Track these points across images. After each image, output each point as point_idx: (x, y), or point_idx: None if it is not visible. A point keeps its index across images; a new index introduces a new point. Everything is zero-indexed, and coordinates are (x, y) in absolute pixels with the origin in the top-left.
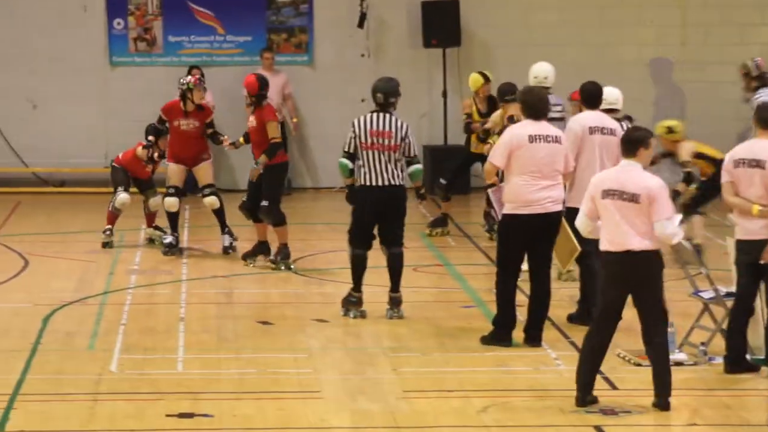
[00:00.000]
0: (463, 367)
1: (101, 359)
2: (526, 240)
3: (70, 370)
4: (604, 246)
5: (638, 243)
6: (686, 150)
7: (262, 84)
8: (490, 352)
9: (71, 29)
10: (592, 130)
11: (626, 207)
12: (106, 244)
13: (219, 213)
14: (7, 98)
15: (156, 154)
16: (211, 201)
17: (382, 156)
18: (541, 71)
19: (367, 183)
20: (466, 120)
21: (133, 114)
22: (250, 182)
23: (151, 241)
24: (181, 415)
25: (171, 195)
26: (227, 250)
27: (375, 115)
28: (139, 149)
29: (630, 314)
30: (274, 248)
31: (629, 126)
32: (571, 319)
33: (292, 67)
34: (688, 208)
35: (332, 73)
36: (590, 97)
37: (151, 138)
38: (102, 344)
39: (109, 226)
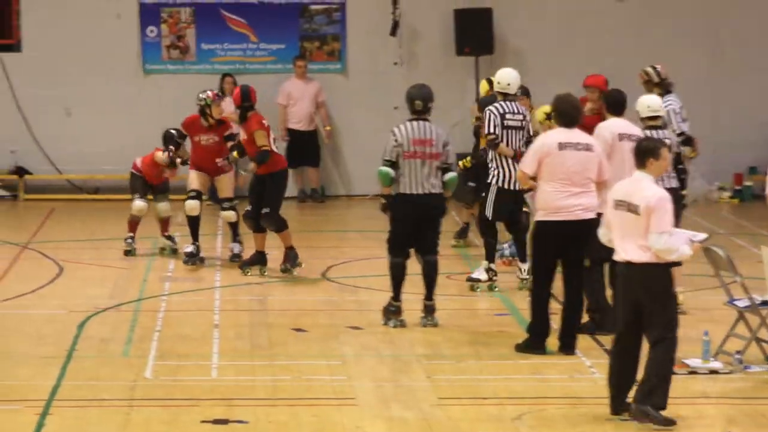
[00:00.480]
0: (497, 375)
1: (136, 366)
2: (557, 247)
3: (105, 376)
4: (615, 255)
5: (638, 255)
6: None
7: (245, 95)
8: (524, 360)
9: (105, 37)
10: (621, 137)
11: (628, 218)
12: (128, 252)
13: (234, 224)
14: (42, 106)
15: (179, 160)
16: (228, 215)
17: (424, 164)
18: (504, 77)
19: (408, 191)
20: (475, 124)
21: (166, 121)
22: (251, 192)
23: (163, 250)
24: (216, 422)
25: (192, 198)
26: (234, 258)
27: (416, 123)
28: (159, 154)
29: None
30: (267, 258)
31: (668, 133)
32: (580, 329)
33: (325, 75)
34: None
35: (365, 81)
36: (616, 103)
37: (171, 147)
38: (137, 351)
39: (131, 234)
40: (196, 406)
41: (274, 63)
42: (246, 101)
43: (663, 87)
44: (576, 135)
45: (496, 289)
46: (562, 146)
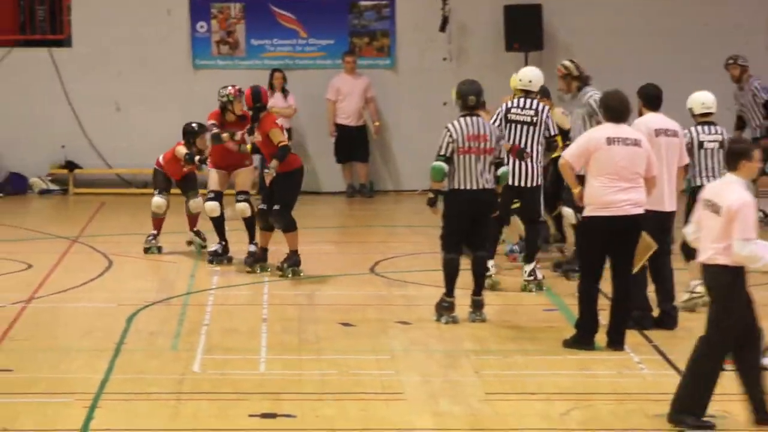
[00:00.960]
0: (545, 371)
1: (184, 359)
2: (605, 243)
3: (153, 369)
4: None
5: (709, 255)
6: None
7: (257, 96)
8: (572, 356)
9: (155, 33)
10: (658, 132)
11: (711, 218)
12: (147, 250)
13: (249, 222)
14: (93, 101)
15: (198, 157)
16: (243, 208)
17: (478, 160)
18: (527, 74)
19: (463, 187)
20: None
21: None
22: (263, 189)
23: (190, 244)
24: (264, 416)
25: (211, 200)
26: (248, 260)
27: (469, 119)
28: (179, 148)
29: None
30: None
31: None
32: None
33: (374, 70)
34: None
35: (414, 76)
36: (652, 98)
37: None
38: (185, 344)
39: (154, 232)
40: (244, 400)
41: (324, 58)
42: (257, 102)
43: (582, 80)
44: (624, 130)
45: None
46: (610, 141)
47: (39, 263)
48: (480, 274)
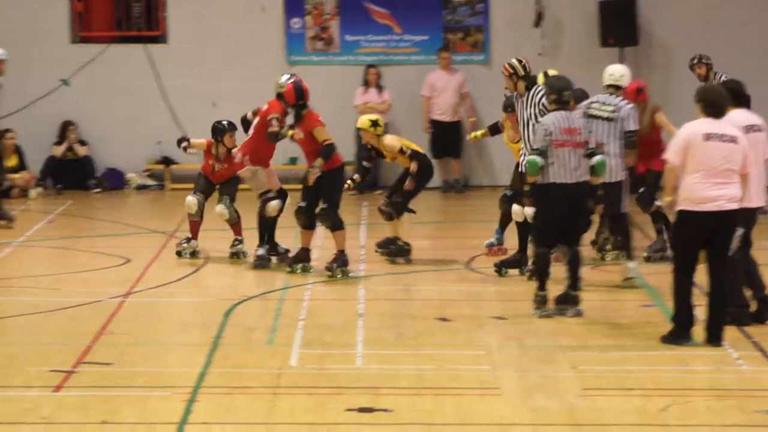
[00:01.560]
0: (643, 366)
1: (281, 354)
2: (700, 238)
3: (250, 364)
4: None
5: None
6: (391, 144)
7: (299, 93)
8: (670, 351)
9: (250, 29)
10: (747, 129)
11: None
12: (178, 254)
13: (272, 222)
14: (188, 97)
15: (183, 144)
16: (275, 206)
17: (572, 153)
18: (618, 70)
19: (559, 181)
20: None
21: None
22: (304, 187)
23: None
24: (361, 410)
25: (273, 199)
26: (283, 259)
27: (561, 112)
28: (202, 141)
29: None
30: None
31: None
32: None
33: (468, 66)
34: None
35: None
36: (735, 95)
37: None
38: (281, 339)
39: (188, 236)
40: (341, 395)
41: (418, 54)
42: (300, 99)
43: (529, 80)
44: (722, 126)
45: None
46: (707, 137)
47: (137, 258)
48: (576, 269)
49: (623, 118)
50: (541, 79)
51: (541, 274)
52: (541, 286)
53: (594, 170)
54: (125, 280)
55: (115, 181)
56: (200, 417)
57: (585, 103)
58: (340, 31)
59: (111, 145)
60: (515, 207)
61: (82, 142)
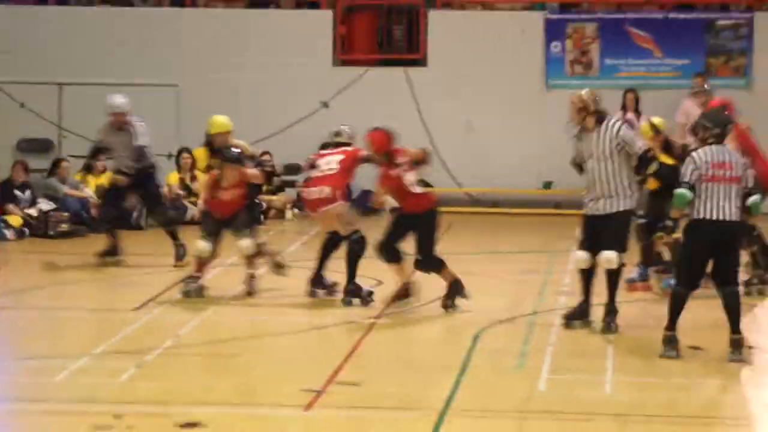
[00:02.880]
0: None
1: (529, 378)
2: None
3: (498, 387)
4: None
5: None
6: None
7: (390, 139)
8: None
9: (509, 52)
10: None
11: None
12: (185, 294)
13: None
14: (445, 120)
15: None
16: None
17: (722, 189)
18: None
19: (706, 216)
20: None
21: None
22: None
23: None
24: None
25: (362, 236)
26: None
27: (715, 146)
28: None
29: None
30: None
31: None
32: None
33: (728, 90)
34: None
35: None
36: None
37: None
38: (531, 363)
39: (195, 274)
40: (590, 421)
41: (678, 79)
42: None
43: (599, 114)
44: None
45: None
46: None
47: (390, 279)
48: (734, 310)
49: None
50: (645, 128)
51: (673, 314)
52: (671, 326)
53: (749, 210)
54: (377, 300)
55: (371, 202)
56: None
57: None
58: (600, 54)
59: (364, 167)
60: (581, 254)
61: None
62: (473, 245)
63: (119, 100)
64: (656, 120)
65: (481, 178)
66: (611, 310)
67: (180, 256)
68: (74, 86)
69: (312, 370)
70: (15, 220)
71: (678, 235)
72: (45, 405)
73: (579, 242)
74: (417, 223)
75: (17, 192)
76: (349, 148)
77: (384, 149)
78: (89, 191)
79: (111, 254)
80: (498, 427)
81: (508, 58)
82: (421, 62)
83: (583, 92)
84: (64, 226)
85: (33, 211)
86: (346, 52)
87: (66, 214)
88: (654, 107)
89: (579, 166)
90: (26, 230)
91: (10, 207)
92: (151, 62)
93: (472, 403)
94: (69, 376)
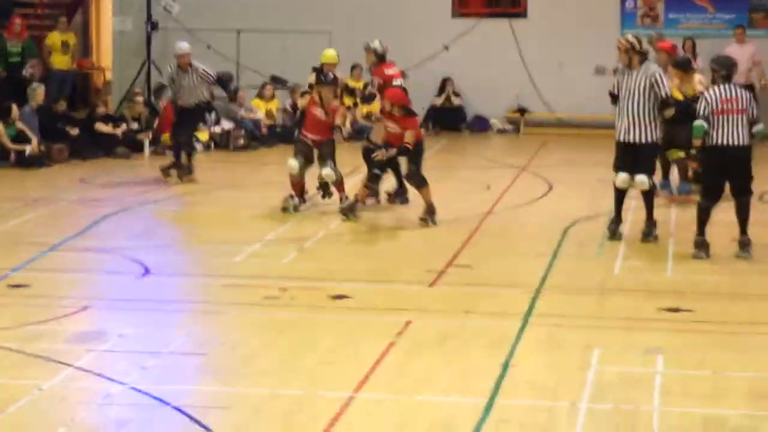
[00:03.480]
0: None
1: (606, 264)
2: None
3: (582, 270)
4: None
5: None
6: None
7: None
8: None
9: (592, 7)
10: None
11: None
12: (284, 209)
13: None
14: (541, 61)
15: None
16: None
17: (731, 119)
18: None
19: (721, 143)
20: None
21: None
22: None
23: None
24: (668, 309)
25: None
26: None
27: (723, 86)
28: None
29: None
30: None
31: None
32: None
33: (764, 39)
34: None
35: None
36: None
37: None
38: (608, 252)
39: (290, 193)
40: (654, 297)
41: (726, 29)
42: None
43: (642, 56)
44: None
45: None
46: None
47: (495, 185)
48: (742, 217)
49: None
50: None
51: (701, 223)
52: (701, 232)
53: (754, 137)
54: (486, 202)
55: (481, 125)
56: (542, 310)
57: None
58: (665, 10)
59: (479, 97)
60: (623, 175)
61: (456, 94)
62: (562, 159)
63: (184, 44)
64: None
65: (569, 105)
66: (652, 223)
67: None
68: (248, 32)
69: (434, 255)
70: (203, 136)
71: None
72: (227, 279)
73: (616, 164)
74: (418, 150)
75: (206, 114)
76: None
77: (404, 103)
78: (260, 114)
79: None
80: (582, 302)
81: (592, 12)
82: (522, 15)
83: (629, 35)
84: (242, 142)
85: (218, 130)
86: (462, 7)
87: (243, 132)
88: (707, 52)
89: (615, 97)
90: (212, 144)
91: (200, 126)
92: (311, 13)
93: (562, 283)
94: (245, 257)
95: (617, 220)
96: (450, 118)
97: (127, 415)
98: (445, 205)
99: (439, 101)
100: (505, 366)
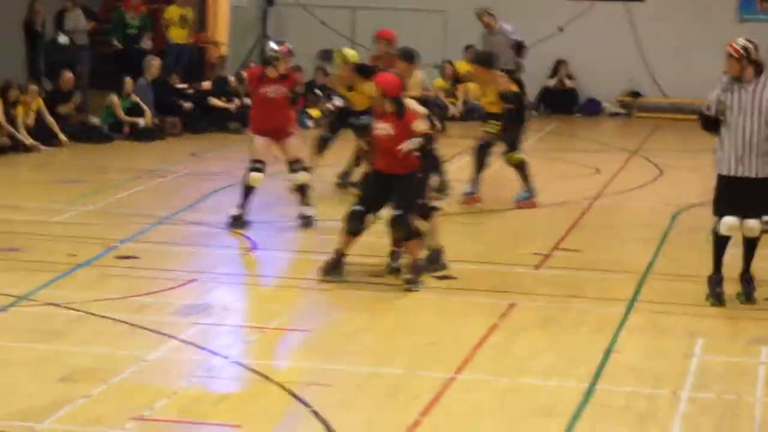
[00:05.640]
0: None
1: None
2: None
3: (689, 257)
4: None
5: None
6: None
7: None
8: None
9: None
10: None
11: None
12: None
13: (304, 187)
14: (656, 45)
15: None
16: (302, 177)
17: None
18: None
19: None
20: None
21: None
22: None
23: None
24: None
25: (257, 170)
26: (304, 222)
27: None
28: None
29: None
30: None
31: None
32: None
33: None
34: None
35: None
36: None
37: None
38: None
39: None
40: (761, 288)
41: None
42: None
43: (758, 65)
44: None
45: None
46: None
47: (605, 169)
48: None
49: None
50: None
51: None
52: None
53: None
54: (595, 186)
55: (593, 108)
56: (646, 296)
57: None
58: None
59: (592, 80)
60: (731, 220)
61: (570, 77)
62: (675, 144)
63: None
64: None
65: (684, 90)
66: (749, 279)
67: None
68: (363, 10)
69: (541, 238)
70: (315, 112)
71: None
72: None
73: (718, 204)
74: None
75: (317, 91)
76: None
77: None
78: None
79: None
80: (687, 290)
81: None
82: None
83: (742, 40)
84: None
85: (330, 106)
86: None
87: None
88: None
89: (714, 119)
90: (323, 122)
91: (312, 102)
92: None
93: (668, 269)
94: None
95: (718, 278)
96: (562, 101)
97: (229, 389)
98: (554, 188)
99: (551, 83)
100: (608, 351)
